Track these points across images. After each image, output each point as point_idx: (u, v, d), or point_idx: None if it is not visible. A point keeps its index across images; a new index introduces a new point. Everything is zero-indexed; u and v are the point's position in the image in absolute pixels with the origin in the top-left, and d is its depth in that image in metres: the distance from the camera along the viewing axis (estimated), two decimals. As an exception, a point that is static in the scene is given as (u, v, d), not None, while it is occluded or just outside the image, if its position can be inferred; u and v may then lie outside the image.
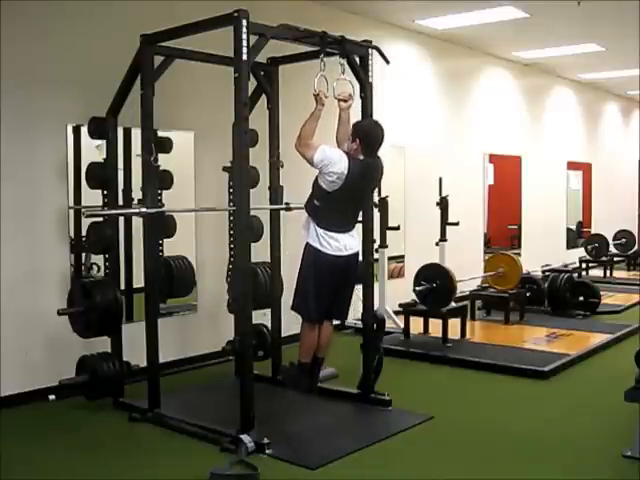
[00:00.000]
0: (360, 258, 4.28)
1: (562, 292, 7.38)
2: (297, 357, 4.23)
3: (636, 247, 11.16)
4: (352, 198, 4.05)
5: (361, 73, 4.36)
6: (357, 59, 4.35)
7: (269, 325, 5.04)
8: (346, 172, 3.85)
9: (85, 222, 4.49)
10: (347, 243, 4.03)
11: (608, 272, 10.36)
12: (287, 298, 4.49)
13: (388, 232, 6.53)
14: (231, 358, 4.74)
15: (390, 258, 6.93)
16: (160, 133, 4.78)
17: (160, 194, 4.59)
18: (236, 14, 3.61)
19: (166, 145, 4.92)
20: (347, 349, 5.16)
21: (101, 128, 4.47)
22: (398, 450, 3.78)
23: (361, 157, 3.97)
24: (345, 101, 4.15)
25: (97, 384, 4.28)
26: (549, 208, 10.65)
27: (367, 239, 4.49)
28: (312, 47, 4.27)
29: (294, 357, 4.23)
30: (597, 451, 3.74)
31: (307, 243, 4.04)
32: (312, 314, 4.08)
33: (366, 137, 3.99)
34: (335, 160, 3.86)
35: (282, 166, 4.84)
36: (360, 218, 4.35)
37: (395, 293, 6.71)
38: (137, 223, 4.57)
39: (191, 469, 3.48)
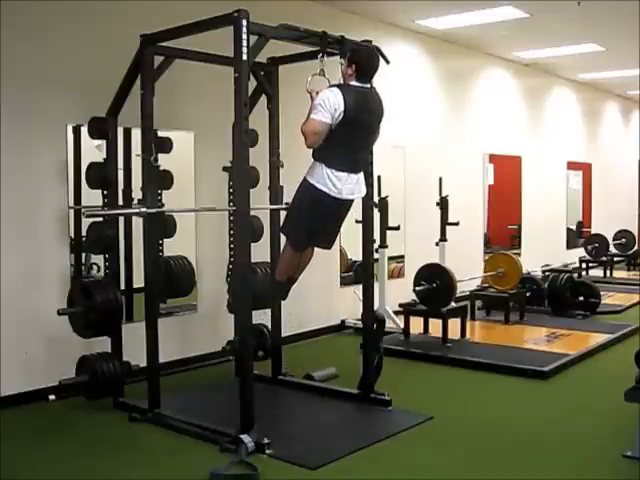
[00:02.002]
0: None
1: (562, 292, 7.39)
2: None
3: (636, 247, 11.16)
4: (357, 130, 3.94)
5: (361, 73, 4.35)
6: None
7: (269, 325, 5.04)
8: (343, 101, 3.78)
9: (85, 222, 4.49)
10: (353, 187, 3.97)
11: (608, 272, 10.36)
12: (287, 297, 4.50)
13: (388, 232, 6.53)
14: (231, 358, 4.73)
15: (390, 258, 6.93)
16: (160, 133, 4.77)
17: (160, 194, 4.59)
18: (236, 14, 3.60)
19: (166, 145, 4.91)
20: (347, 349, 5.17)
21: (101, 128, 4.46)
22: (398, 450, 3.78)
23: (355, 83, 3.91)
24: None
25: (97, 384, 4.28)
26: (549, 208, 10.65)
27: (367, 239, 4.49)
28: (312, 47, 4.27)
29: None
30: (597, 451, 3.74)
31: (306, 181, 3.95)
32: (300, 242, 4.14)
33: (363, 63, 3.93)
34: (332, 101, 3.78)
35: (282, 166, 4.84)
36: (360, 215, 4.33)
37: (395, 293, 6.71)
38: (137, 223, 4.57)
39: (191, 469, 3.48)
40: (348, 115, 3.81)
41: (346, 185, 3.93)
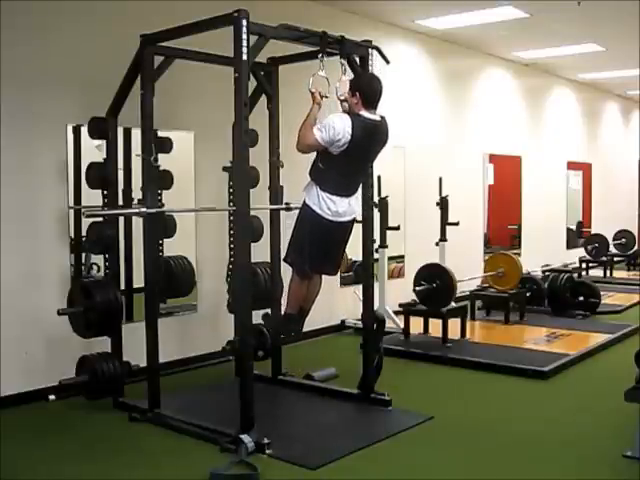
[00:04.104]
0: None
1: (562, 292, 7.39)
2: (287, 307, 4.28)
3: (636, 247, 11.15)
4: (357, 160, 4.00)
5: (361, 73, 4.35)
6: (357, 59, 4.34)
7: (269, 325, 5.04)
8: (351, 132, 3.82)
9: (85, 222, 4.49)
10: (346, 209, 4.02)
11: (608, 272, 10.36)
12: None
13: (388, 232, 6.53)
14: (231, 358, 4.73)
15: (390, 258, 6.93)
16: (160, 133, 4.77)
17: (160, 194, 4.59)
18: (236, 14, 3.60)
19: (166, 145, 4.91)
20: (347, 349, 5.17)
21: (101, 128, 4.46)
22: (398, 450, 3.78)
23: (365, 114, 3.92)
24: (347, 101, 4.14)
25: (97, 384, 4.28)
26: (549, 208, 10.64)
27: (367, 239, 4.50)
28: (312, 47, 4.27)
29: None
30: (597, 451, 3.74)
31: (305, 204, 4.01)
32: (305, 269, 4.12)
33: (366, 89, 3.95)
34: (338, 126, 3.82)
35: (282, 166, 4.84)
36: (360, 216, 4.35)
37: (395, 293, 6.71)
38: (137, 223, 4.57)
39: (191, 469, 3.48)
40: (353, 147, 3.86)
41: (340, 207, 3.98)
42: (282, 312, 4.38)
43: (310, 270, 4.15)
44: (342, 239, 4.20)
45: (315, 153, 4.04)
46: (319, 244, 4.06)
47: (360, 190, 4.26)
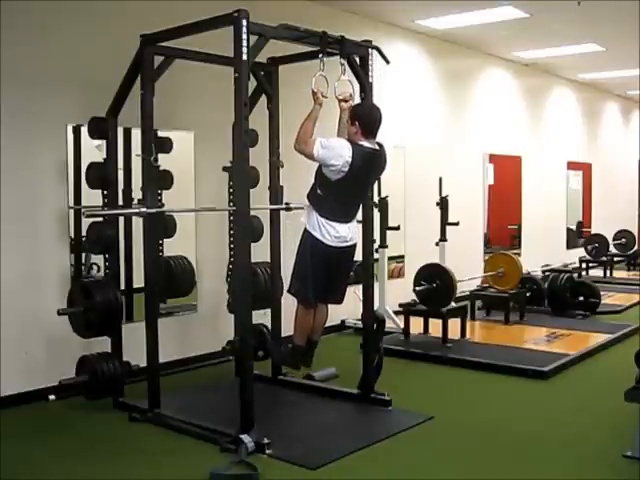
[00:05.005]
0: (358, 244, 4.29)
1: (562, 292, 7.39)
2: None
3: (636, 247, 11.15)
4: (356, 187, 4.02)
5: (361, 73, 4.35)
6: (357, 59, 4.34)
7: (269, 325, 5.04)
8: (350, 160, 3.84)
9: (85, 222, 4.49)
10: (346, 234, 4.03)
11: (608, 272, 10.36)
12: (287, 298, 4.49)
13: (388, 232, 6.53)
14: (231, 358, 4.73)
15: (390, 258, 6.92)
16: (160, 133, 4.77)
17: (160, 194, 4.59)
18: (236, 14, 3.60)
19: (166, 145, 4.92)
20: (347, 349, 5.17)
21: (101, 128, 4.46)
22: (398, 450, 3.78)
23: (365, 143, 3.94)
24: (346, 101, 4.15)
25: (97, 384, 4.28)
26: (549, 208, 10.64)
27: (367, 239, 4.49)
28: (312, 47, 4.27)
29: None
30: (597, 451, 3.74)
31: (305, 229, 4.03)
32: (309, 298, 4.10)
33: (365, 119, 3.97)
34: (337, 148, 3.85)
35: (282, 166, 4.84)
36: (360, 215, 4.36)
37: (395, 293, 6.71)
38: (137, 223, 4.57)
39: (191, 469, 3.48)
40: (351, 174, 3.87)
41: (341, 233, 3.99)
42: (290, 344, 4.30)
43: (314, 299, 4.11)
44: (344, 265, 4.18)
45: (314, 176, 4.05)
46: (322, 271, 4.04)
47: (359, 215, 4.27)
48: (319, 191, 4.00)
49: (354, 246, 4.18)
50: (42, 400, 4.54)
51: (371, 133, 3.99)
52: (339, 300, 4.34)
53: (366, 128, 3.96)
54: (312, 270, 4.03)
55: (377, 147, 4.04)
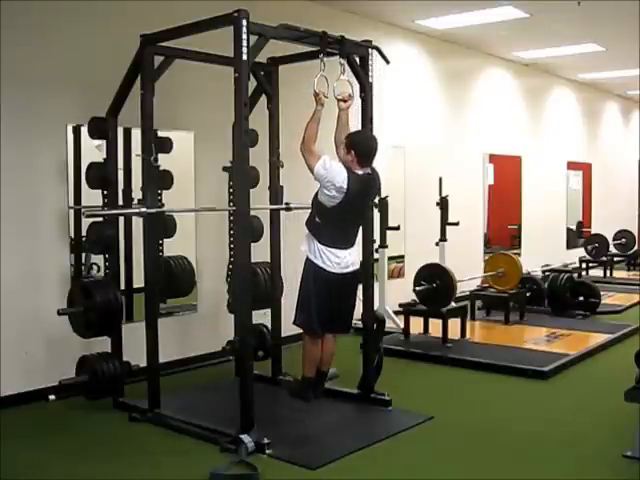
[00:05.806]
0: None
1: (562, 292, 7.39)
2: (302, 371, 4.17)
3: (636, 247, 11.16)
4: (352, 213, 4.02)
5: (361, 73, 4.36)
6: (357, 59, 4.35)
7: (269, 325, 5.04)
8: (345, 187, 3.82)
9: (85, 222, 4.49)
10: (348, 260, 3.99)
11: (608, 272, 10.36)
12: (287, 298, 4.50)
13: (388, 232, 6.53)
14: (231, 358, 4.73)
15: (390, 258, 6.93)
16: (160, 133, 4.77)
17: (160, 194, 4.59)
18: (236, 14, 3.61)
19: (166, 145, 4.92)
20: (347, 349, 5.14)
21: (101, 128, 4.46)
22: (398, 450, 3.78)
23: (359, 171, 3.93)
24: (345, 101, 4.14)
25: (97, 384, 4.28)
26: (549, 208, 10.65)
27: (367, 239, 4.49)
28: (312, 47, 4.27)
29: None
30: (597, 451, 3.74)
31: (307, 258, 4.00)
32: (315, 328, 4.03)
33: (362, 149, 3.95)
34: (335, 174, 3.83)
35: (282, 166, 4.84)
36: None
37: (395, 293, 6.71)
38: (137, 223, 4.57)
39: (191, 469, 3.48)
40: (347, 201, 3.86)
41: (342, 259, 3.96)
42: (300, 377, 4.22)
43: (320, 329, 4.06)
44: (348, 293, 4.12)
45: (311, 205, 4.03)
46: (325, 299, 3.99)
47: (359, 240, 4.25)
48: (317, 219, 3.97)
49: (356, 272, 4.12)
50: (42, 400, 4.54)
51: (366, 162, 3.98)
52: (346, 330, 4.28)
53: (362, 158, 3.94)
54: (316, 299, 3.97)
55: (371, 172, 4.02)
